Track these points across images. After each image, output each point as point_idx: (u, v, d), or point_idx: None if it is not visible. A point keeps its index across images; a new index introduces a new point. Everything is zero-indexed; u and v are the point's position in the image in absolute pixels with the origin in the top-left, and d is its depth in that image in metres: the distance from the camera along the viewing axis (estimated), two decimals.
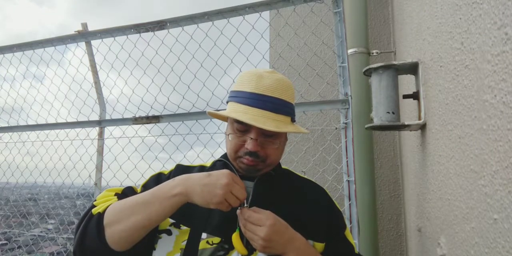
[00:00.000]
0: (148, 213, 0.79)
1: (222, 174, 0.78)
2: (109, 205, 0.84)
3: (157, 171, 1.02)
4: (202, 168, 1.00)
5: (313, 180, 1.04)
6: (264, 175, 0.92)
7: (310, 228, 0.88)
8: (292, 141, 2.24)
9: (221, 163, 0.97)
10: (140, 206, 0.80)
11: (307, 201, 0.94)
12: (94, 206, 0.87)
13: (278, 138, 0.88)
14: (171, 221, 0.87)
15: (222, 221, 0.85)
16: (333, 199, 1.01)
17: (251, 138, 0.85)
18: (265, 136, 0.86)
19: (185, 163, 1.07)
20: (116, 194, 0.92)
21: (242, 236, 0.82)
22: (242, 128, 0.87)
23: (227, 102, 0.92)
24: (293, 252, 0.80)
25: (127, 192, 0.94)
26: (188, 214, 0.86)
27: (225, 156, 0.98)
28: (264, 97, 0.84)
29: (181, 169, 0.99)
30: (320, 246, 0.90)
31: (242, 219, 0.81)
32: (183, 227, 0.86)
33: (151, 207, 0.79)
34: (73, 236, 1.01)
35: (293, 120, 0.91)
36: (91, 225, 0.81)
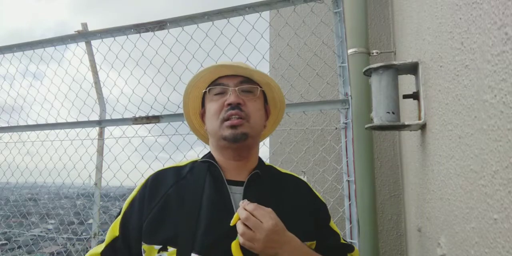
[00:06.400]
0: None
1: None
2: None
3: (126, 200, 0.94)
4: (178, 169, 0.95)
5: (292, 173, 1.02)
6: (252, 176, 0.89)
7: (300, 229, 0.86)
8: (292, 141, 2.24)
9: (205, 165, 0.91)
10: None
11: (293, 201, 0.92)
12: None
13: (256, 95, 0.90)
14: (157, 247, 0.83)
15: (210, 240, 0.81)
16: (314, 190, 1.00)
17: (230, 91, 0.87)
18: (243, 92, 0.88)
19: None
20: None
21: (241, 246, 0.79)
22: (219, 90, 0.89)
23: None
24: (287, 252, 0.78)
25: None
26: (173, 235, 0.82)
27: (209, 155, 0.95)
28: (230, 63, 0.90)
29: (155, 180, 0.92)
30: (312, 244, 0.89)
31: (243, 212, 0.77)
32: (171, 249, 0.82)
33: None
34: (73, 236, 1.01)
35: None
36: None
